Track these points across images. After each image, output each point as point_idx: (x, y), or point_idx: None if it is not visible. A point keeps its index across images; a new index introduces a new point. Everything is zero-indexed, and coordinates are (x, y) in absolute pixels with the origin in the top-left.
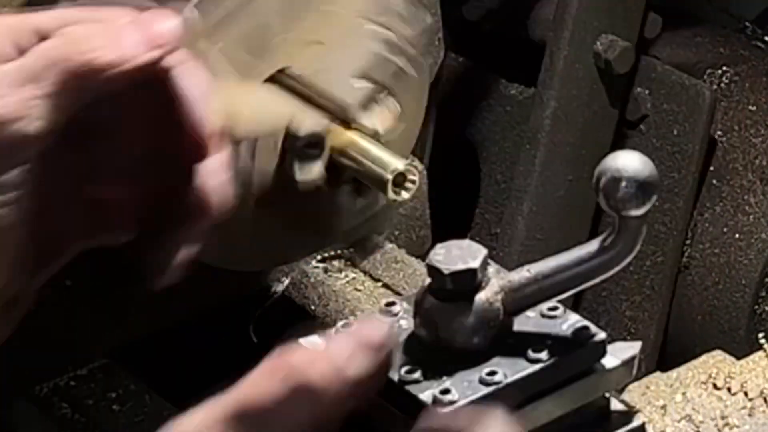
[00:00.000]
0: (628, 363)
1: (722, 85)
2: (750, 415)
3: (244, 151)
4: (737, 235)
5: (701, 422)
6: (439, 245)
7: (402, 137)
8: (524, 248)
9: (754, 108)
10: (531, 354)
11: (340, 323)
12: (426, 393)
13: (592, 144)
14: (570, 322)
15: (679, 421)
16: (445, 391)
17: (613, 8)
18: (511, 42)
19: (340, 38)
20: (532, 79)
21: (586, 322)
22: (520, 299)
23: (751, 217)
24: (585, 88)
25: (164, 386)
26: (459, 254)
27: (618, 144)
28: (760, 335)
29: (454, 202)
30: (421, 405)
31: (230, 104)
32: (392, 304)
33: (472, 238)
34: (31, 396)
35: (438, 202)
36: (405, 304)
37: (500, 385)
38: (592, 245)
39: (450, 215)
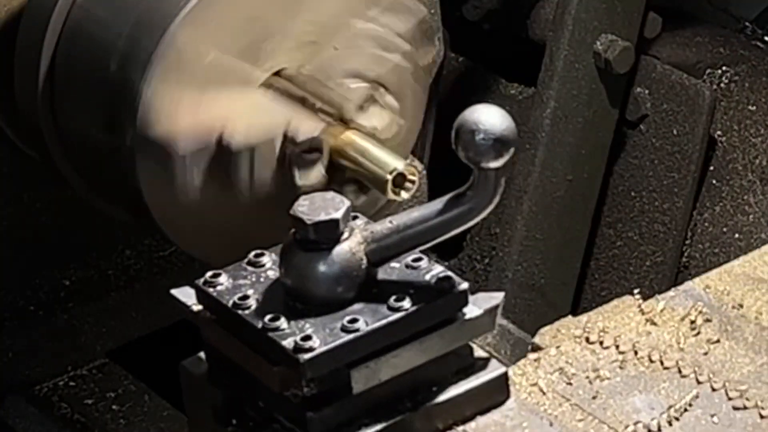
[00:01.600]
0: (490, 312)
1: (722, 85)
2: (621, 368)
3: (243, 158)
4: (737, 235)
5: (573, 374)
6: (303, 197)
7: (402, 136)
8: (524, 248)
9: (754, 108)
10: (393, 302)
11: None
12: (288, 340)
13: (592, 144)
14: (433, 272)
15: (552, 374)
16: (307, 338)
17: (613, 8)
18: (511, 42)
19: (333, 39)
20: (532, 79)
21: (449, 273)
22: (382, 249)
23: (751, 217)
24: (585, 88)
25: (164, 386)
26: (322, 205)
27: (618, 144)
28: (636, 291)
29: None
30: (283, 351)
31: (227, 112)
32: (261, 255)
33: (472, 238)
34: (31, 396)
35: None
36: (273, 256)
37: (360, 333)
38: (452, 197)
39: None
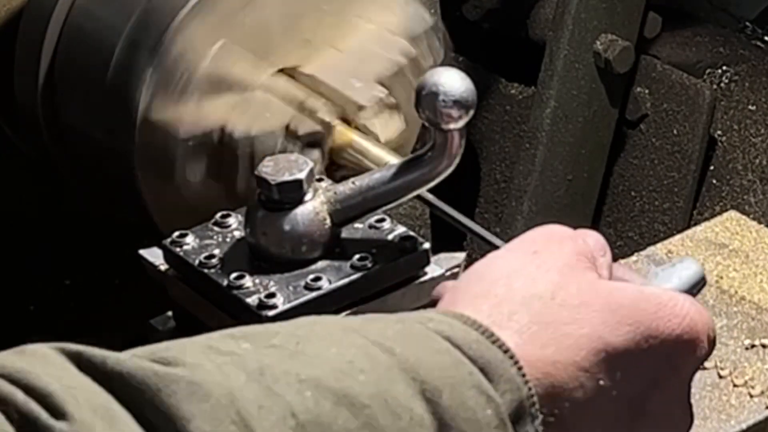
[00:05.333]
0: (452, 272)
1: (722, 84)
2: None
3: (244, 151)
4: None
5: None
6: (268, 158)
7: (402, 137)
8: None
9: (754, 108)
10: (356, 261)
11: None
12: (252, 298)
13: (592, 144)
14: (396, 232)
15: None
16: (271, 295)
17: (613, 8)
18: (510, 42)
19: (348, 41)
20: (532, 79)
21: (411, 233)
22: (346, 210)
23: (751, 216)
24: (585, 87)
25: None
26: (287, 166)
27: (618, 144)
28: None
29: (454, 201)
30: (248, 309)
31: (228, 110)
32: (227, 216)
33: (472, 238)
34: None
35: None
36: (240, 217)
37: (324, 291)
38: (414, 158)
39: None
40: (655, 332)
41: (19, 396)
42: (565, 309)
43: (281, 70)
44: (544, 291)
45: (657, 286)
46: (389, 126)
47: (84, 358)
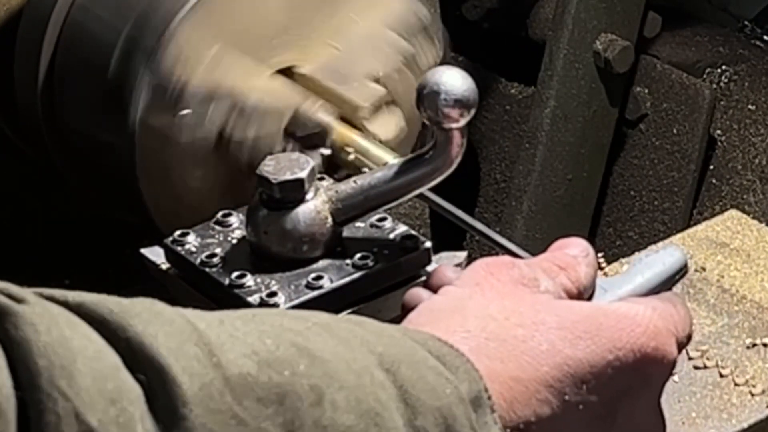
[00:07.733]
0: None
1: (722, 84)
2: None
3: (248, 130)
4: None
5: None
6: (269, 157)
7: (401, 135)
8: (524, 248)
9: (753, 107)
10: (357, 260)
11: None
12: (254, 296)
13: (592, 143)
14: (397, 231)
15: None
16: (272, 294)
17: (613, 8)
18: (510, 41)
19: (344, 39)
20: (532, 79)
21: (412, 232)
22: (347, 209)
23: (751, 216)
24: (584, 87)
25: None
26: (288, 165)
27: (618, 143)
28: (600, 254)
29: (454, 201)
30: (249, 308)
31: (241, 80)
32: (228, 215)
33: (472, 237)
34: None
35: None
36: (240, 216)
37: (325, 290)
38: (415, 157)
39: None
40: (618, 343)
41: None
42: (521, 328)
43: (278, 72)
44: (496, 313)
45: (632, 279)
46: (388, 124)
47: (45, 293)
